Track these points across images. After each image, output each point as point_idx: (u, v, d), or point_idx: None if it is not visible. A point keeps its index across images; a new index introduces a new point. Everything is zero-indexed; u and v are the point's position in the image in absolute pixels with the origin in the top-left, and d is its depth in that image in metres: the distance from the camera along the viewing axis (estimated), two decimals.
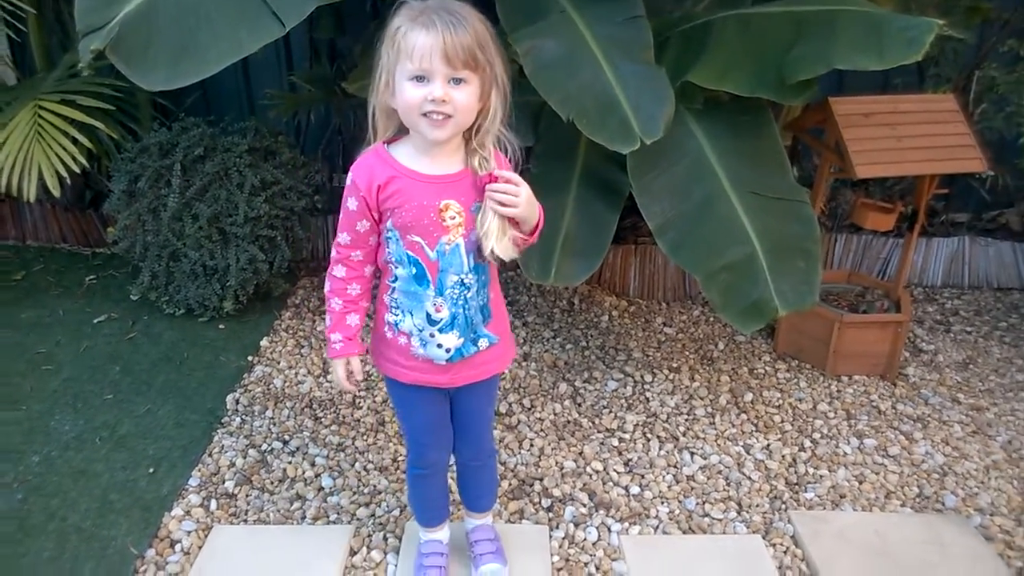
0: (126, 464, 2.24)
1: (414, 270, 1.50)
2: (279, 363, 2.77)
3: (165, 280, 3.00)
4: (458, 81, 1.36)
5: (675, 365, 2.83)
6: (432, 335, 1.54)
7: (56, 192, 2.86)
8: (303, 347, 2.88)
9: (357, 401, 2.56)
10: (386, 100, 1.43)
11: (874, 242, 3.47)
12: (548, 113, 2.23)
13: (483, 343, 1.60)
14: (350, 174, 1.49)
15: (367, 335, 1.70)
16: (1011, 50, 3.14)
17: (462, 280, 1.52)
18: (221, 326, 2.99)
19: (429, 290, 1.51)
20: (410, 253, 1.49)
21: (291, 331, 2.98)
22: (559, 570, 1.92)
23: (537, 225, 1.55)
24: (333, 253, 1.56)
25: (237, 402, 2.54)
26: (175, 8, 1.82)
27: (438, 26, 1.33)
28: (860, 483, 2.27)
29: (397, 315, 1.56)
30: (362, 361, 1.64)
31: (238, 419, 2.46)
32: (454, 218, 1.48)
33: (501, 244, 1.47)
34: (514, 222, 1.50)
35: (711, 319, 3.17)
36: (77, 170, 2.90)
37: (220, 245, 2.92)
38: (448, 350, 1.56)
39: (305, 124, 3.77)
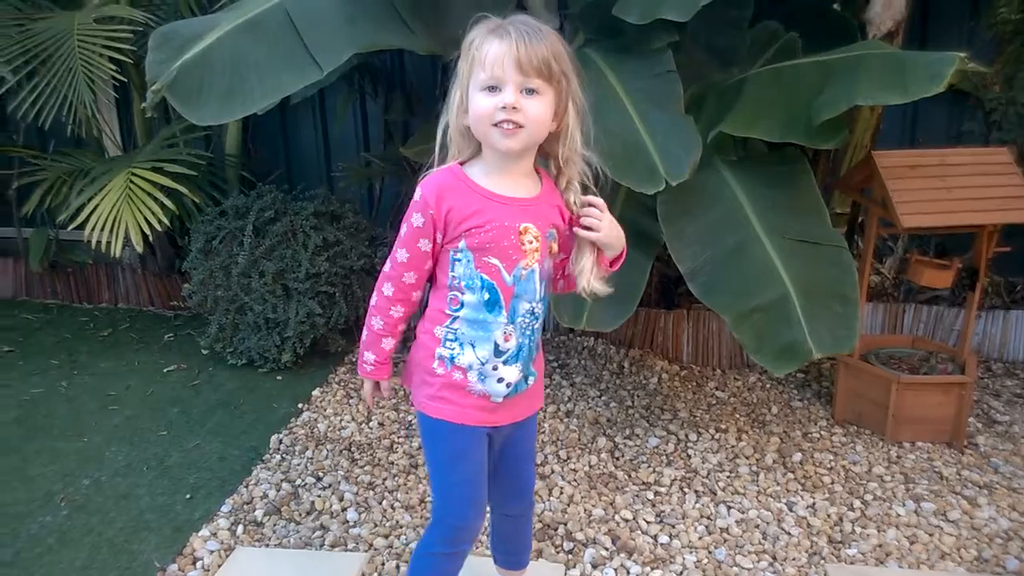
0: (166, 490, 2.33)
1: (487, 295, 1.40)
2: (326, 410, 2.84)
3: (231, 332, 3.18)
4: (531, 91, 1.32)
5: (723, 426, 2.74)
6: (495, 368, 1.44)
7: (139, 247, 3.11)
8: (352, 398, 2.95)
9: (394, 446, 2.59)
10: (462, 120, 1.38)
11: (945, 313, 3.31)
12: None
13: (531, 380, 1.52)
14: (419, 189, 1.40)
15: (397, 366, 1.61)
16: None
17: (532, 309, 1.44)
18: (279, 377, 3.11)
19: (501, 317, 1.42)
20: (484, 276, 1.40)
21: (343, 384, 3.07)
22: None
23: (621, 255, 1.50)
24: (387, 268, 1.45)
25: (280, 442, 2.61)
26: (228, 56, 2.03)
27: (512, 35, 1.31)
28: (911, 543, 2.11)
29: (453, 349, 1.44)
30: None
31: (278, 457, 2.53)
32: (532, 243, 1.40)
33: (595, 278, 1.45)
34: (598, 249, 1.47)
35: (768, 385, 3.07)
36: (160, 229, 3.15)
37: (283, 300, 3.08)
38: (508, 384, 1.45)
39: (378, 199, 4.00)
